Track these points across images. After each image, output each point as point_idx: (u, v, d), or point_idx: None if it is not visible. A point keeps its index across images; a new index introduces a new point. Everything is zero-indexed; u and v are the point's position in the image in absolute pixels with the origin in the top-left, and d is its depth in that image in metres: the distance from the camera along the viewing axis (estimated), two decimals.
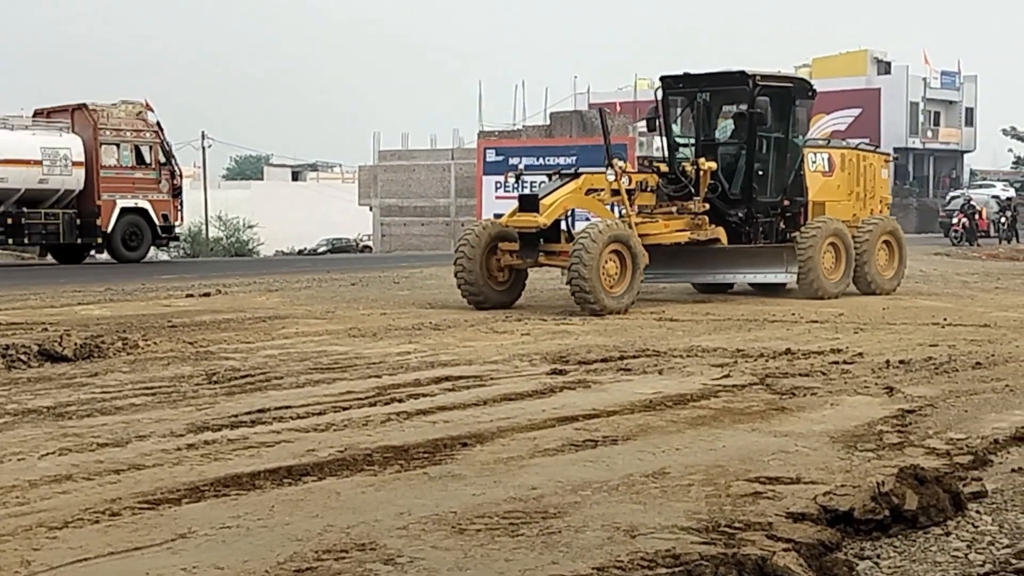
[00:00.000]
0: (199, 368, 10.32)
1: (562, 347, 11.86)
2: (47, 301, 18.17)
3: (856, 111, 75.25)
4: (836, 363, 10.37)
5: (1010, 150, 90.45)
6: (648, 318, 14.89)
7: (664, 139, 18.70)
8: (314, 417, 7.86)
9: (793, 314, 15.16)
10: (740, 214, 18.08)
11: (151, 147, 33.32)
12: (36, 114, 33.25)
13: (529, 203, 16.49)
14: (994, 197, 49.89)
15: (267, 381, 9.55)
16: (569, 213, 17.03)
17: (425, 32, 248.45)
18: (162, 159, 33.62)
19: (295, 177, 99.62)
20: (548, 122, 62.86)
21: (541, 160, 55.58)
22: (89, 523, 5.34)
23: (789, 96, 18.36)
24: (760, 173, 18.20)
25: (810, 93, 19.03)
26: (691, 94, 18.51)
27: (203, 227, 70.58)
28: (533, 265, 16.86)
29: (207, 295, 18.89)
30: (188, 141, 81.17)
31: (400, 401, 8.50)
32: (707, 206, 17.67)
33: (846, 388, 9.02)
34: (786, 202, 18.52)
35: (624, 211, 17.08)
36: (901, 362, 10.31)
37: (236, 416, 7.87)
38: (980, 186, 75.33)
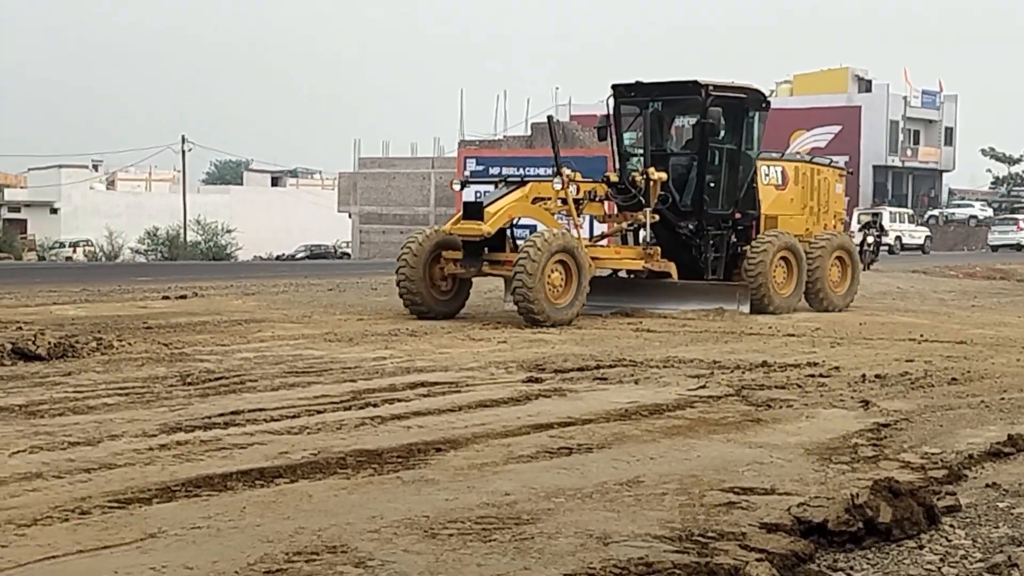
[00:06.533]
0: (173, 369, 10.26)
1: (538, 355, 11.84)
2: (22, 300, 18.08)
3: (836, 128, 75.55)
4: (812, 376, 10.36)
5: (988, 170, 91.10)
6: (625, 328, 14.87)
7: (614, 148, 18.30)
8: (288, 420, 7.82)
9: (770, 327, 15.16)
10: (690, 226, 17.76)
11: None
12: None
13: (473, 211, 16.09)
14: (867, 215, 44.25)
15: (241, 383, 9.49)
16: (516, 221, 16.77)
17: (408, 41, 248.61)
18: None
19: (275, 183, 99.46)
20: (529, 133, 62.95)
21: (522, 170, 55.60)
22: (58, 521, 5.28)
23: (742, 107, 18.05)
24: (711, 185, 17.87)
25: (764, 104, 18.65)
26: (643, 103, 18.11)
27: (181, 231, 70.41)
28: (476, 274, 16.42)
29: (183, 297, 18.80)
30: (168, 145, 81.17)
31: (375, 406, 8.45)
32: (656, 217, 17.37)
33: (822, 401, 9.02)
34: (738, 215, 18.15)
35: (574, 222, 16.89)
36: (877, 376, 10.32)
37: (209, 417, 7.82)
38: (958, 205, 75.87)
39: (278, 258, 67.12)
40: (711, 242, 17.87)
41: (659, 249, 17.42)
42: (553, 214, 16.83)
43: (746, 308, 16.96)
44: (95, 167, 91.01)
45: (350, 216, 69.20)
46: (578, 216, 16.99)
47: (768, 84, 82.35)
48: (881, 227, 39.30)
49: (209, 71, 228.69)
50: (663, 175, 17.39)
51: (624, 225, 18.01)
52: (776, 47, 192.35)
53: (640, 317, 16.11)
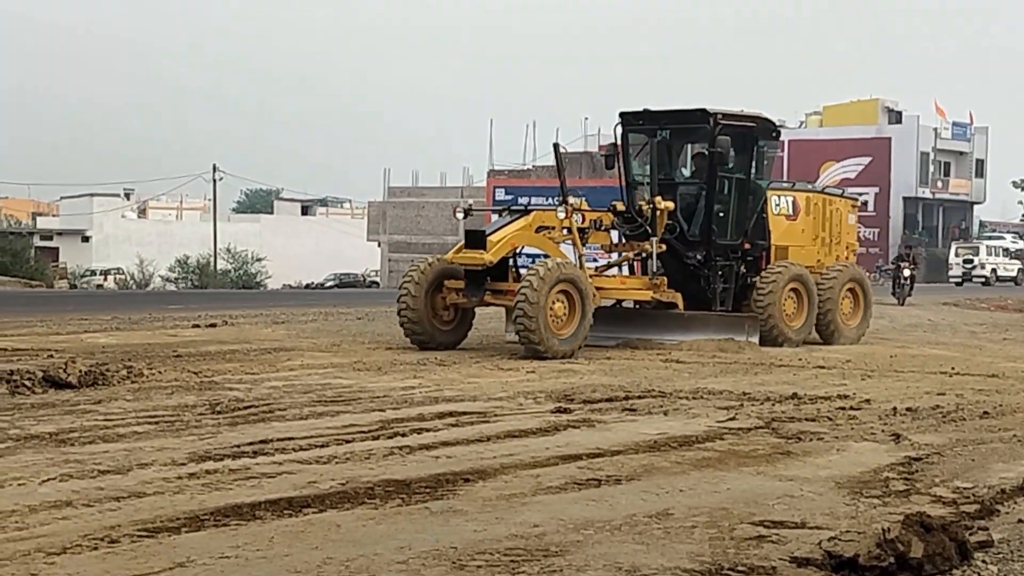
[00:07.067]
0: (203, 398, 10.29)
1: (567, 385, 11.82)
2: (54, 328, 18.19)
3: (866, 159, 75.38)
4: (843, 409, 10.30)
5: (1020, 202, 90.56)
6: (654, 359, 14.83)
7: (622, 177, 17.94)
8: (316, 449, 7.82)
9: (800, 359, 15.10)
10: (698, 256, 17.44)
11: None
12: None
13: (476, 239, 15.81)
14: (905, 248, 39.59)
15: (270, 412, 9.51)
16: (519, 251, 16.44)
17: (437, 71, 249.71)
18: None
19: (305, 211, 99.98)
20: None
21: (550, 200, 55.63)
22: (88, 549, 5.30)
23: (752, 136, 17.75)
24: (720, 215, 17.60)
25: (774, 133, 18.52)
26: (651, 131, 17.89)
27: (212, 259, 70.81)
28: (479, 304, 16.14)
29: (213, 326, 18.87)
30: (199, 174, 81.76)
31: (403, 435, 8.45)
32: (663, 247, 17.07)
33: (853, 434, 8.96)
34: (747, 245, 17.83)
35: (577, 251, 16.60)
36: (908, 410, 10.25)
37: (238, 446, 7.83)
38: (990, 237, 75.49)
39: (307, 287, 67.34)
40: (719, 273, 17.56)
41: (666, 279, 17.18)
42: (557, 243, 16.60)
43: (755, 339, 16.70)
44: (127, 196, 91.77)
45: (379, 245, 69.50)
46: (583, 245, 16.74)
47: (798, 115, 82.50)
48: (915, 260, 37.88)
49: (240, 100, 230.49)
50: (670, 204, 17.09)
51: (631, 255, 17.75)
52: (806, 78, 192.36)
53: (669, 348, 16.05)
